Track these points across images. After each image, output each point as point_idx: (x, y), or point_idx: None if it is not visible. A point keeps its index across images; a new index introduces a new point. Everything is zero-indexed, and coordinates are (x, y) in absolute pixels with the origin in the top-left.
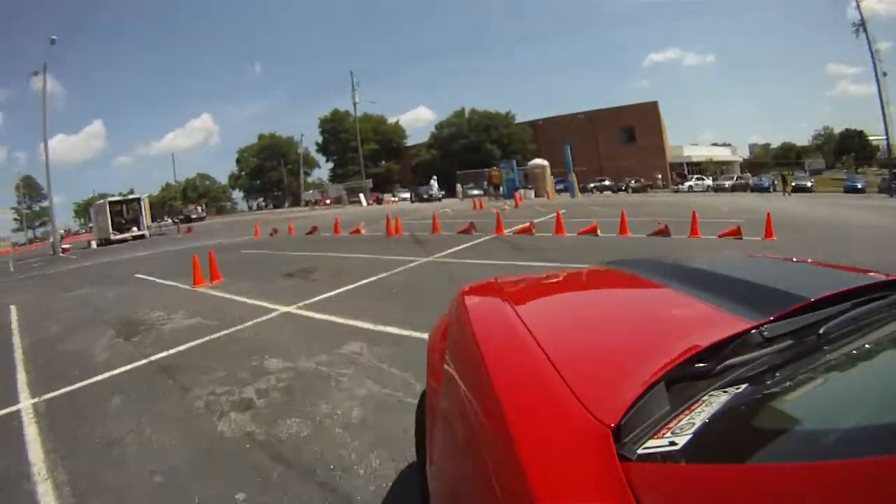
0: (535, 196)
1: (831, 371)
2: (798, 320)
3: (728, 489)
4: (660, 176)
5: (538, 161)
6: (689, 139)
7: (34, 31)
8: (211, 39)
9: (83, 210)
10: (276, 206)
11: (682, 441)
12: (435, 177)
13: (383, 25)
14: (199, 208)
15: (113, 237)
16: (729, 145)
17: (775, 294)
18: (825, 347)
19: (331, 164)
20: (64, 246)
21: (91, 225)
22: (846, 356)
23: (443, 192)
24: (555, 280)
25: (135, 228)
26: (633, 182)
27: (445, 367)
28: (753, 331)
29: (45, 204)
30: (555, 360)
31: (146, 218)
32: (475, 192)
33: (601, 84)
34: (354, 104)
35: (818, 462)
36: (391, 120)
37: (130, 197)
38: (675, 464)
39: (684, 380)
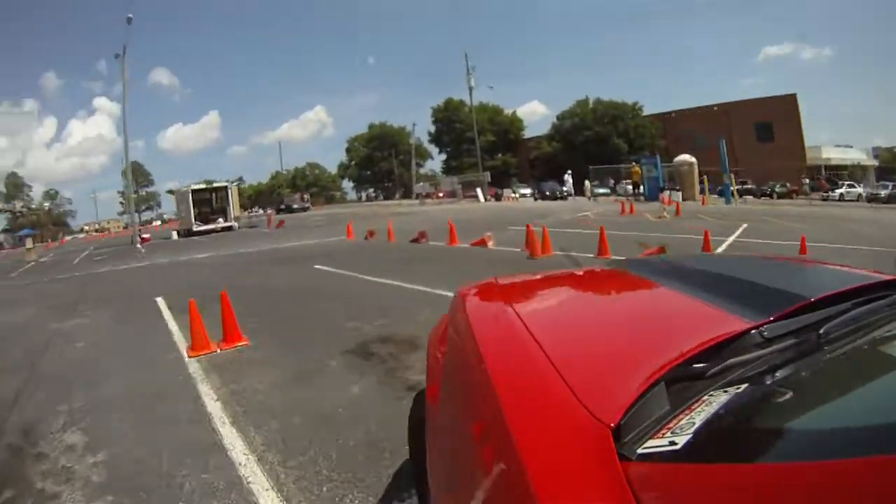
0: (683, 199)
1: (831, 371)
2: (798, 320)
3: (728, 489)
4: (808, 181)
5: (685, 157)
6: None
7: (148, 26)
8: (325, 33)
9: None
10: (386, 198)
11: (682, 441)
12: (570, 171)
13: (496, 17)
14: (304, 197)
15: (195, 228)
16: (850, 147)
17: (775, 294)
18: (825, 347)
19: (444, 156)
20: (144, 236)
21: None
22: (846, 356)
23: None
24: (555, 280)
25: (221, 219)
26: (777, 186)
27: (445, 367)
28: (753, 331)
29: (151, 189)
30: (555, 360)
31: (234, 208)
32: (601, 190)
33: (713, 78)
34: (470, 88)
35: (818, 462)
36: (507, 111)
37: (216, 184)
38: (675, 463)
39: (684, 380)
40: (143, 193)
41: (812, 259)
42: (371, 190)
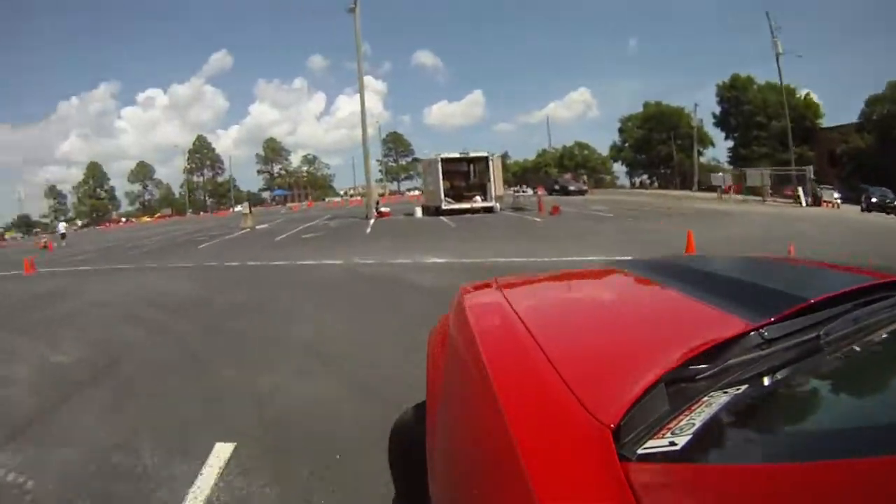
0: None
1: (832, 372)
2: (799, 321)
3: (728, 489)
4: None
5: None
6: None
7: (409, 11)
8: (587, 10)
9: None
10: (661, 186)
11: (682, 441)
12: None
13: None
14: (581, 178)
15: (445, 206)
16: None
17: (776, 295)
18: (826, 348)
19: (730, 143)
20: (382, 209)
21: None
22: (847, 357)
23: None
24: (555, 280)
25: (478, 197)
26: None
27: (445, 369)
28: (754, 332)
29: (410, 159)
30: (554, 360)
31: (496, 185)
32: None
33: None
34: (777, 55)
35: (818, 462)
36: (800, 92)
37: (474, 154)
38: (675, 464)
39: (684, 380)
40: (403, 163)
41: (813, 260)
42: (645, 176)
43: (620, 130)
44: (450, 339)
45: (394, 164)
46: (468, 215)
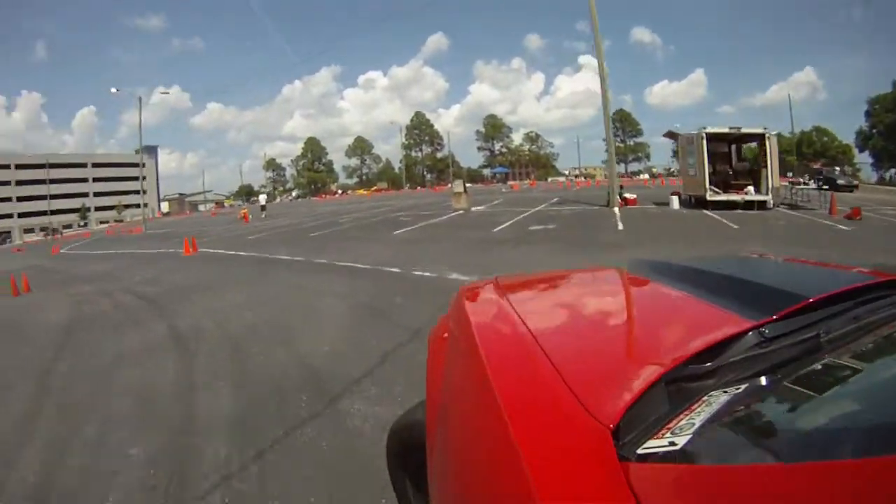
0: None
1: (832, 371)
2: (799, 320)
3: (728, 489)
4: None
5: None
6: None
7: None
8: None
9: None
10: None
11: (681, 441)
12: None
13: None
14: (848, 171)
15: (710, 197)
16: None
17: (776, 294)
18: (826, 347)
19: None
20: (627, 195)
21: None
22: (847, 356)
23: None
24: (554, 280)
25: (750, 188)
26: None
27: (445, 368)
28: (754, 331)
29: (640, 140)
30: (554, 360)
31: (773, 173)
32: None
33: None
34: None
35: (818, 462)
36: None
37: (746, 130)
38: (675, 464)
39: (684, 380)
40: (631, 144)
41: (813, 259)
42: (893, 170)
43: (867, 114)
44: (450, 340)
45: (621, 145)
46: (738, 211)
